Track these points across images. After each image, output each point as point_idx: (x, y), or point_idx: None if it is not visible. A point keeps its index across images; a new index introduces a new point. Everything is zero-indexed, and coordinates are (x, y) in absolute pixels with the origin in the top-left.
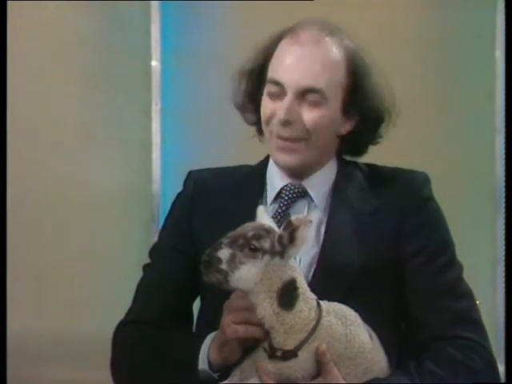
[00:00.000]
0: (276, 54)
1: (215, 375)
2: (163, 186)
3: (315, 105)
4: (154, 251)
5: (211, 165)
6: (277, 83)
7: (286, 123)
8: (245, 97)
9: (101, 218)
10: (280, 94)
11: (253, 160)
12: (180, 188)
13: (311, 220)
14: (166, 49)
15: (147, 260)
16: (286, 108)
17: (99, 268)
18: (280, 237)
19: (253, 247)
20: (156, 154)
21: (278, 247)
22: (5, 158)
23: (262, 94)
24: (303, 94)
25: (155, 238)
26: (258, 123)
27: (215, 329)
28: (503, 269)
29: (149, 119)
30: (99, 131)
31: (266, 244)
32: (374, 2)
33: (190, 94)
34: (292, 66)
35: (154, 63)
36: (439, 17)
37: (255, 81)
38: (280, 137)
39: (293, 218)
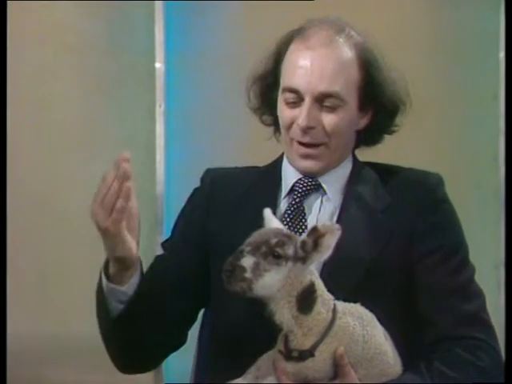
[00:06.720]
0: (287, 58)
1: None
2: (167, 187)
3: (334, 108)
4: (166, 243)
5: (215, 166)
6: (293, 90)
7: (306, 130)
8: (259, 100)
9: None
10: (297, 101)
11: (256, 161)
12: (184, 190)
13: (339, 228)
14: (169, 50)
15: (151, 261)
16: (305, 115)
17: None
18: (303, 243)
19: (276, 254)
20: (160, 156)
21: (301, 253)
22: (5, 159)
23: (276, 97)
24: (320, 98)
25: (159, 240)
26: (274, 124)
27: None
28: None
29: (153, 121)
30: (103, 133)
31: (290, 251)
32: (379, 3)
33: (194, 95)
34: (306, 71)
35: (157, 65)
36: (444, 18)
37: (268, 84)
38: (301, 143)
39: (319, 224)
